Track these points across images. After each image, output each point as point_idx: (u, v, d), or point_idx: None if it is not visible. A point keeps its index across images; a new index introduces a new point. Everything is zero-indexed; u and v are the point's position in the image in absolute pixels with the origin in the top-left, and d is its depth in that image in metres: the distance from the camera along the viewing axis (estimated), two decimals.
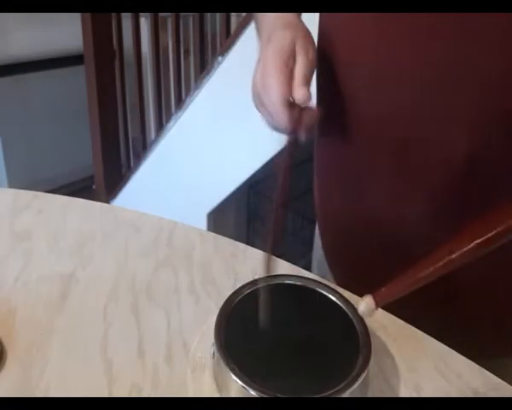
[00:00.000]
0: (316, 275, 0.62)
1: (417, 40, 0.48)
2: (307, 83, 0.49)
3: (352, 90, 0.55)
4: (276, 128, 0.51)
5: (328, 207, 0.68)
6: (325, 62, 0.55)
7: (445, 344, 0.50)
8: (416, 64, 0.48)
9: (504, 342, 0.61)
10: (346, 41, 0.53)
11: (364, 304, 0.44)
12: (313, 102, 0.50)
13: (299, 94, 0.47)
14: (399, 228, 0.57)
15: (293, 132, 0.49)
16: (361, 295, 0.53)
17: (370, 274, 0.63)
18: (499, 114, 0.46)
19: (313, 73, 0.51)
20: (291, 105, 0.48)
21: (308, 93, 0.47)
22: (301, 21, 0.55)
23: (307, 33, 0.53)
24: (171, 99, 2.13)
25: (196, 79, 1.86)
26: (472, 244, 0.39)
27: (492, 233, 0.39)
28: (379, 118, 0.53)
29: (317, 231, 0.77)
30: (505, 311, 0.58)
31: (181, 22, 1.96)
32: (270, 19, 0.55)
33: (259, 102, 0.51)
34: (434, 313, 0.58)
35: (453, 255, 0.40)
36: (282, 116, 0.48)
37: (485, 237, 0.39)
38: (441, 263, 0.41)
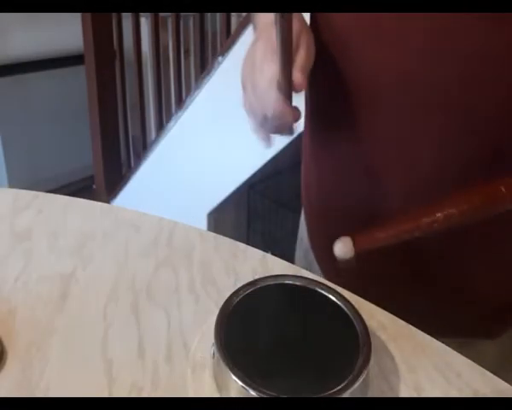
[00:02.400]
0: (300, 266, 0.63)
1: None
2: (306, 73, 0.48)
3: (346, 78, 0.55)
4: (258, 113, 0.51)
5: (315, 196, 0.69)
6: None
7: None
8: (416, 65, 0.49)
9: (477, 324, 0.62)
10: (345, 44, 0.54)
11: (341, 244, 0.39)
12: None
13: (298, 79, 0.47)
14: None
15: (282, 123, 0.49)
16: (348, 287, 0.54)
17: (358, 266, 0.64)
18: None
19: (310, 68, 0.51)
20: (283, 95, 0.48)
21: (305, 80, 0.47)
22: (302, 15, 0.55)
23: (309, 29, 0.53)
24: (172, 99, 2.14)
25: (196, 79, 1.86)
26: (465, 207, 0.39)
27: (490, 200, 0.39)
28: (380, 107, 0.53)
29: (301, 221, 0.77)
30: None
31: (181, 22, 1.96)
32: None
33: (252, 77, 0.50)
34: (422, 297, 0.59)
35: (439, 214, 0.39)
36: (272, 94, 0.47)
37: (480, 203, 0.39)
38: (430, 219, 0.40)
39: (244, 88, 0.52)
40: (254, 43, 0.51)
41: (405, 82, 0.50)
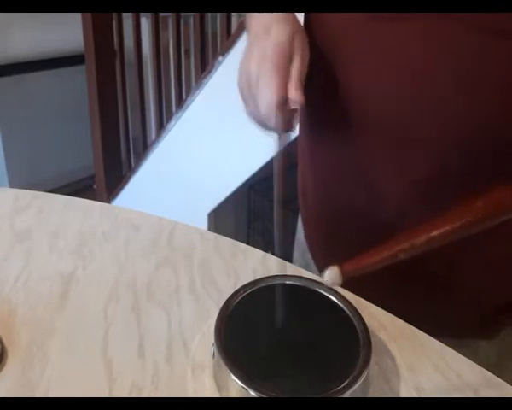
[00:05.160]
0: (298, 266, 0.63)
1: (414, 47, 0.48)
2: (302, 85, 0.49)
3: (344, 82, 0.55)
4: (262, 123, 0.51)
5: (311, 197, 0.69)
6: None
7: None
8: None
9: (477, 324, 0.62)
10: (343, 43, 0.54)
11: (330, 272, 0.40)
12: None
13: (295, 97, 0.48)
14: (385, 218, 0.57)
15: (281, 131, 0.50)
16: (347, 287, 0.54)
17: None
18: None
19: (306, 72, 0.51)
20: (283, 105, 0.48)
21: (303, 96, 0.48)
22: (295, 15, 0.55)
23: (302, 29, 0.53)
24: (172, 99, 2.14)
25: (197, 79, 1.86)
26: (456, 224, 0.38)
27: (478, 216, 0.38)
28: (376, 113, 0.53)
29: (299, 222, 0.77)
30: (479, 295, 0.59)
31: (181, 22, 1.96)
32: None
33: (250, 94, 0.51)
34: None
35: (434, 233, 0.38)
36: (275, 118, 0.48)
37: (470, 219, 0.38)
38: (420, 240, 0.39)
39: (243, 99, 0.52)
40: (248, 53, 0.52)
41: (394, 90, 0.50)
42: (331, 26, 0.54)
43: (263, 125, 0.52)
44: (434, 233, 0.39)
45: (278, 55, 0.49)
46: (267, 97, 0.48)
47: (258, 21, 0.54)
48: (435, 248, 0.46)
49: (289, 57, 0.49)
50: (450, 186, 0.52)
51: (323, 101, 0.58)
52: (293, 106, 0.48)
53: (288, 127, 0.51)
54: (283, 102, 0.48)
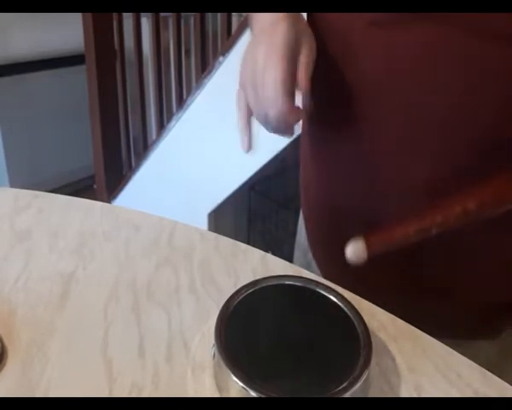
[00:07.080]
0: (299, 266, 0.63)
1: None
2: (310, 72, 0.49)
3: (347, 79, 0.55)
4: (264, 111, 0.51)
5: (313, 196, 0.69)
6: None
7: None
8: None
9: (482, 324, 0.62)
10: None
11: (353, 247, 0.36)
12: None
13: (302, 81, 0.47)
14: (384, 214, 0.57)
15: (283, 124, 0.49)
16: (347, 287, 0.54)
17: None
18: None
19: (313, 66, 0.51)
20: (289, 88, 0.48)
21: (309, 82, 0.48)
22: (303, 17, 0.55)
23: (308, 27, 0.53)
24: (173, 99, 2.14)
25: (197, 79, 1.86)
26: (495, 196, 0.35)
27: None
28: (378, 114, 0.53)
29: (300, 221, 0.77)
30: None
31: (182, 22, 1.96)
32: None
33: (254, 82, 0.50)
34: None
35: (470, 205, 0.35)
36: (280, 101, 0.47)
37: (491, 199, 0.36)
38: (455, 211, 0.36)
39: (244, 88, 0.52)
40: (254, 45, 0.51)
41: (395, 94, 0.50)
42: (332, 28, 0.54)
43: (265, 114, 0.51)
44: (470, 205, 0.35)
45: (286, 45, 0.48)
46: (273, 79, 0.47)
47: (264, 18, 0.54)
48: (439, 244, 0.43)
49: (297, 50, 0.49)
50: (450, 189, 0.52)
51: (327, 96, 0.58)
52: (298, 89, 0.48)
53: (293, 118, 0.50)
54: (290, 84, 0.47)
